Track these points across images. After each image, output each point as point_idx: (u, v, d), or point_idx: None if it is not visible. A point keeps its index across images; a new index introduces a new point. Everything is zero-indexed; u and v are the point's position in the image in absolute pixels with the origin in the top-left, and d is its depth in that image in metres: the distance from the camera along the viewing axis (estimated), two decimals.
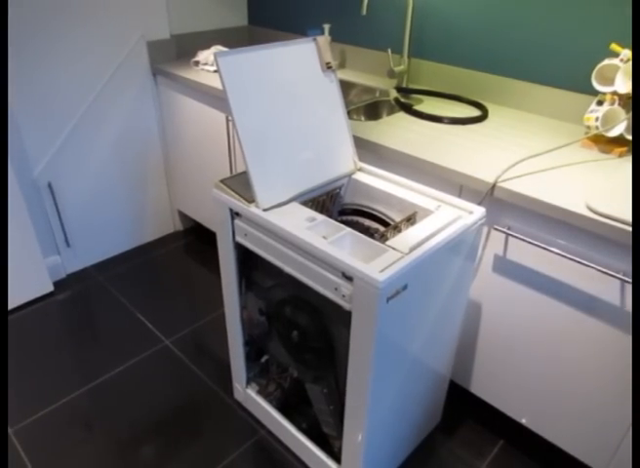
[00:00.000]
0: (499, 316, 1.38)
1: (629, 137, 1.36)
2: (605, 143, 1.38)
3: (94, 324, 2.00)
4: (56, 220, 2.14)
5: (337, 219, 1.36)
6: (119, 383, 1.73)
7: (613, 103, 1.36)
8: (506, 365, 1.42)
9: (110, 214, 2.32)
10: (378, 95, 1.93)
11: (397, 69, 1.88)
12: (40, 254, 2.04)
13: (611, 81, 1.35)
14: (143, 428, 1.58)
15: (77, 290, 2.18)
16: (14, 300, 2.04)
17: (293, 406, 1.50)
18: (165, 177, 2.46)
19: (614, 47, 1.35)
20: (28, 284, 2.06)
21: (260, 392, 1.56)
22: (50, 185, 2.06)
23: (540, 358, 1.33)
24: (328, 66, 1.27)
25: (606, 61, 1.36)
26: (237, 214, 1.23)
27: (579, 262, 1.14)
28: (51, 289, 2.14)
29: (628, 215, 1.05)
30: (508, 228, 1.25)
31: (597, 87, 1.38)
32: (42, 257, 2.05)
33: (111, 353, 1.85)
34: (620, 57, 1.33)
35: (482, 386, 1.51)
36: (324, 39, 1.27)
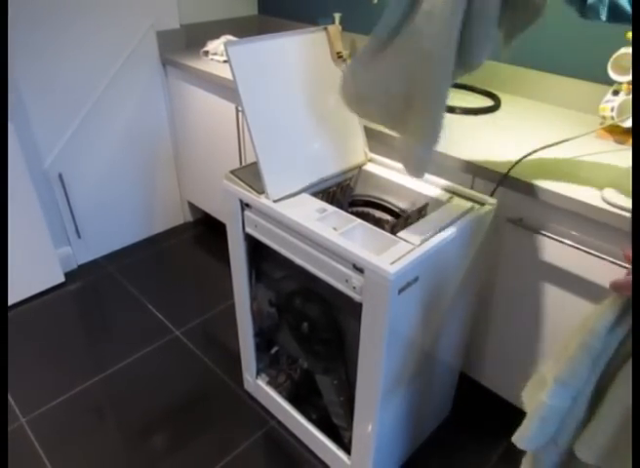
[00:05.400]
0: (510, 308, 1.37)
1: None
2: (621, 134, 1.36)
3: (105, 314, 2.01)
4: (67, 212, 2.15)
5: (347, 211, 1.35)
6: (130, 373, 1.74)
7: (629, 93, 1.33)
8: (518, 357, 1.41)
9: (120, 206, 2.33)
10: None
11: None
12: (51, 246, 2.05)
13: (627, 70, 1.32)
14: (154, 418, 1.59)
15: (88, 280, 2.19)
16: (25, 291, 2.06)
17: (303, 397, 1.50)
18: (175, 168, 2.46)
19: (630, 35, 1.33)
20: (40, 275, 2.08)
21: (270, 383, 1.56)
22: (60, 177, 2.07)
23: (552, 350, 1.32)
24: (339, 56, 1.26)
25: (622, 50, 1.33)
26: (247, 205, 1.22)
27: (593, 254, 1.12)
28: (62, 279, 2.15)
29: None
30: (521, 220, 1.24)
31: (613, 76, 1.35)
32: (53, 248, 2.07)
33: (122, 343, 1.86)
34: None
35: (493, 378, 1.51)
36: (335, 28, 1.25)
